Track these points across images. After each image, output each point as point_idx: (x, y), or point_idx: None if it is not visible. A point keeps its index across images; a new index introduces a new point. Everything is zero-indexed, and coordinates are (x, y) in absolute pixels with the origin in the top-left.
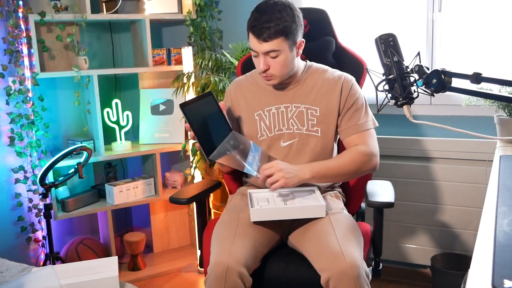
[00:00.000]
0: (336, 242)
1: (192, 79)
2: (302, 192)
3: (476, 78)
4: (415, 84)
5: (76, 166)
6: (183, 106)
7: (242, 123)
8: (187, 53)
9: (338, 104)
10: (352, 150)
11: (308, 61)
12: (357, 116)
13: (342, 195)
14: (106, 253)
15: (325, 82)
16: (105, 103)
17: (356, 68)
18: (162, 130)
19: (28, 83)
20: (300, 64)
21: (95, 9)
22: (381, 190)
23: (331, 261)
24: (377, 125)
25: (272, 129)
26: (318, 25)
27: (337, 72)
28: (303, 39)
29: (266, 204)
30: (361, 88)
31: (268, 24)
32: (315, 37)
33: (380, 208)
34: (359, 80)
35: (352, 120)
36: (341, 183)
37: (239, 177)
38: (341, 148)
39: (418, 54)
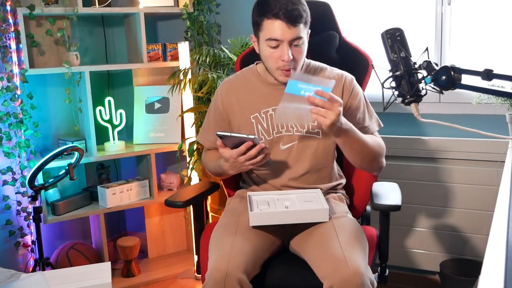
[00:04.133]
0: (339, 248)
1: (189, 76)
2: (304, 194)
3: (487, 74)
4: (423, 81)
5: (67, 167)
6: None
7: (237, 127)
8: (183, 48)
9: (344, 105)
10: (375, 137)
11: (305, 59)
12: (364, 117)
13: (346, 197)
14: (99, 259)
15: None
16: (98, 101)
17: (361, 64)
18: (157, 130)
19: (17, 80)
20: None
21: (87, 2)
22: (387, 192)
23: (334, 268)
24: (382, 125)
25: (271, 132)
26: (321, 19)
27: (336, 70)
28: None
29: (266, 208)
30: (366, 85)
31: (296, 7)
32: (318, 31)
33: (386, 211)
34: (364, 77)
35: (360, 122)
36: (343, 184)
37: (237, 179)
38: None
39: (427, 49)
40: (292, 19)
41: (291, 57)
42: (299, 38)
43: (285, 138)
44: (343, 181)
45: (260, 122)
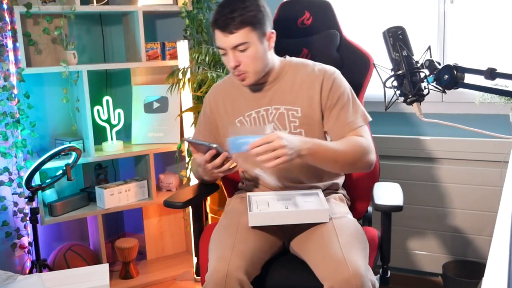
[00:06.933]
0: (339, 249)
1: (188, 75)
2: (304, 195)
3: (491, 73)
4: (425, 80)
5: (64, 168)
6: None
7: (225, 131)
8: (182, 47)
9: (319, 101)
10: (352, 138)
11: (287, 57)
12: (346, 113)
13: (347, 198)
14: (96, 261)
15: (305, 79)
16: (95, 100)
17: (362, 63)
18: (156, 129)
19: (13, 79)
20: (275, 60)
21: (85, 0)
22: (388, 193)
23: (334, 269)
24: (370, 119)
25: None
26: (322, 17)
27: (318, 66)
28: (273, 31)
29: (266, 208)
30: (367, 84)
31: (232, 14)
32: (318, 30)
33: (387, 212)
34: (366, 76)
35: (340, 118)
36: (342, 183)
37: (236, 180)
38: None
39: (429, 48)
40: (225, 28)
41: (235, 63)
42: (241, 43)
43: None
44: (341, 179)
45: (245, 126)
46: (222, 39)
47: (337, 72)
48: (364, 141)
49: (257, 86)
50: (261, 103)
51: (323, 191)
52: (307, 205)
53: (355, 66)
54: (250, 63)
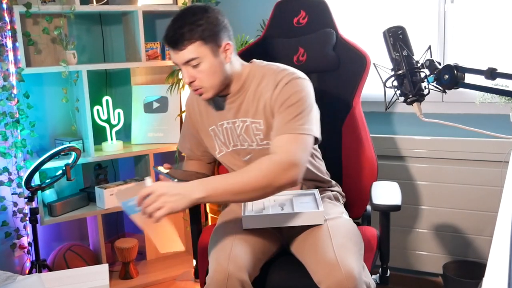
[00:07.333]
0: (332, 252)
1: None
2: (300, 195)
3: (491, 73)
4: (425, 80)
5: (64, 168)
6: None
7: (203, 138)
8: None
9: (270, 105)
10: (263, 160)
11: (254, 61)
12: (287, 115)
13: (342, 195)
14: (96, 261)
15: (265, 88)
16: (95, 100)
17: (359, 62)
18: (156, 129)
19: (13, 79)
20: (235, 69)
21: (85, 0)
22: (386, 192)
23: (327, 272)
24: (315, 135)
25: (228, 145)
26: (317, 16)
27: (281, 72)
28: (230, 42)
29: (260, 210)
30: (364, 83)
31: (181, 30)
32: (314, 29)
33: (386, 212)
34: (362, 74)
35: (278, 119)
36: (332, 183)
37: None
38: None
39: (429, 48)
40: (174, 44)
41: (189, 79)
42: (192, 59)
43: (242, 152)
44: (328, 179)
45: (218, 135)
46: (173, 56)
47: (296, 76)
48: (279, 158)
49: (222, 98)
50: (228, 116)
51: (320, 191)
52: (302, 207)
53: (352, 65)
54: (205, 78)
